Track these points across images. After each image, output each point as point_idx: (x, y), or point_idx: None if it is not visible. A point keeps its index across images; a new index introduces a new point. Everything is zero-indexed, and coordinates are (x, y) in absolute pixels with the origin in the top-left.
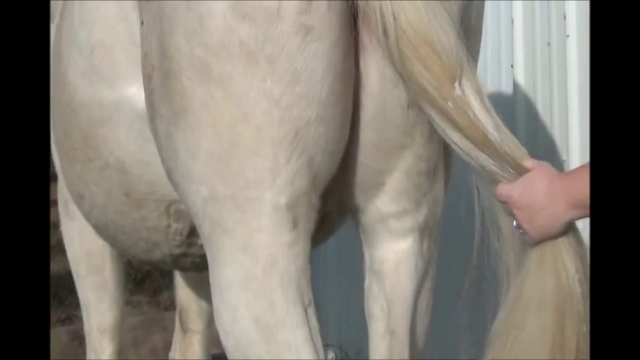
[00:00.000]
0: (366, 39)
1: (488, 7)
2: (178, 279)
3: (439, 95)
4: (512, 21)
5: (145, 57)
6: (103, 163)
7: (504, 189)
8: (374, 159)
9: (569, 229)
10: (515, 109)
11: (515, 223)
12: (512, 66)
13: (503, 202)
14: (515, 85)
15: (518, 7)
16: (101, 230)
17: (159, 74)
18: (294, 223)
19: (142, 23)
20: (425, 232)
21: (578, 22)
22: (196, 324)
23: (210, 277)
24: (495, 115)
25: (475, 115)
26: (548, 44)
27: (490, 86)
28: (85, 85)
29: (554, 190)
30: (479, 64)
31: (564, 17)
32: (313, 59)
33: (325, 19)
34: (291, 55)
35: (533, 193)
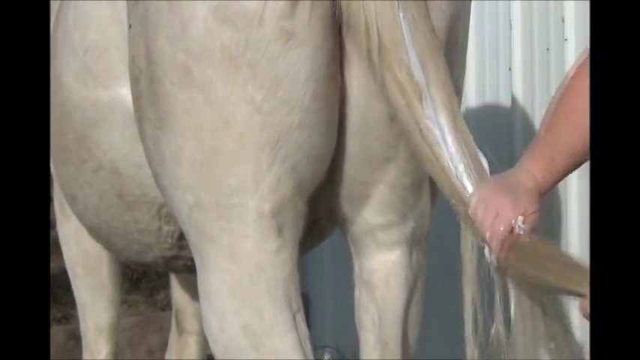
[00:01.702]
0: (350, 49)
1: (487, 10)
2: (174, 280)
3: (410, 117)
4: (510, 24)
5: (133, 60)
6: (96, 165)
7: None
8: (359, 170)
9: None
10: (514, 113)
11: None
12: (510, 69)
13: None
14: (514, 88)
15: (516, 10)
16: (94, 232)
17: (145, 78)
18: (280, 230)
19: (130, 26)
20: (413, 244)
21: (577, 25)
22: (192, 325)
23: (198, 284)
24: (465, 138)
25: (436, 146)
26: (547, 48)
27: (488, 89)
28: (79, 86)
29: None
30: (477, 66)
31: (563, 21)
32: (295, 64)
33: (308, 24)
34: (272, 60)
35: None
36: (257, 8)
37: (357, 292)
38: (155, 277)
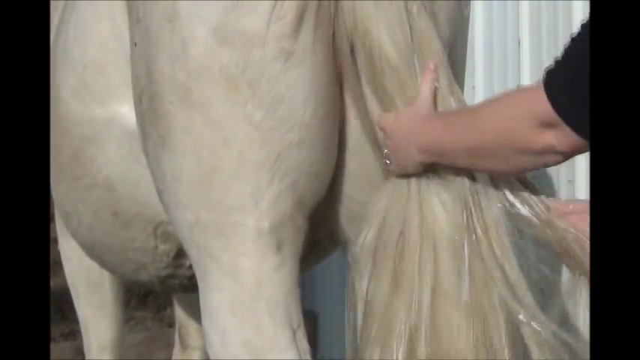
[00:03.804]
0: (347, 71)
1: (495, 27)
2: (177, 295)
3: None
4: (519, 41)
5: (136, 79)
6: (91, 182)
7: (382, 116)
8: (358, 191)
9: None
10: None
11: (385, 151)
12: (518, 87)
13: (381, 129)
14: None
15: (524, 28)
16: (87, 249)
17: (146, 97)
18: (279, 247)
19: (135, 45)
20: None
21: None
22: (195, 340)
23: (200, 301)
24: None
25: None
26: None
27: None
28: (77, 102)
29: (411, 132)
30: (485, 83)
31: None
32: (295, 83)
33: (308, 44)
34: (272, 79)
35: (398, 128)
36: (257, 29)
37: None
38: (162, 293)
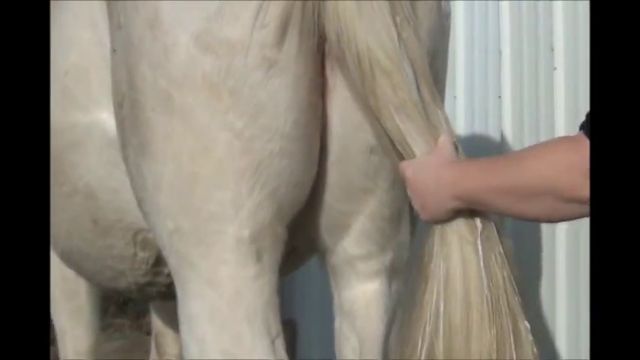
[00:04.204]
0: (331, 81)
1: (477, 38)
2: (154, 303)
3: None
4: (500, 53)
5: (116, 85)
6: (71, 189)
7: (403, 164)
8: (338, 200)
9: (462, 215)
10: (503, 140)
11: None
12: (499, 97)
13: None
14: (503, 117)
15: (506, 39)
16: (65, 257)
17: (128, 103)
18: (259, 256)
19: (114, 51)
20: (392, 274)
21: (566, 54)
22: (173, 348)
23: (178, 309)
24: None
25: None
26: (536, 76)
27: (477, 117)
28: (58, 108)
29: (442, 179)
30: (466, 94)
31: (552, 50)
32: (277, 92)
33: (290, 53)
34: (254, 87)
35: (425, 175)
36: (240, 37)
37: (337, 323)
38: (141, 301)
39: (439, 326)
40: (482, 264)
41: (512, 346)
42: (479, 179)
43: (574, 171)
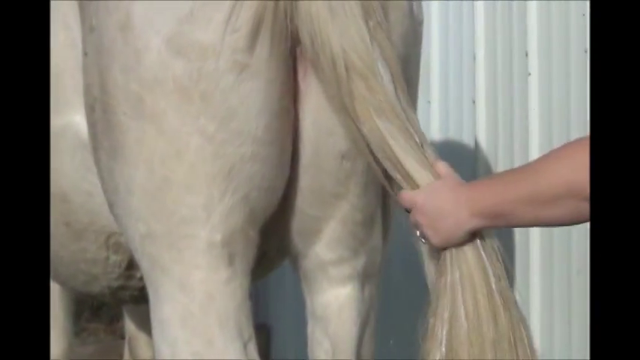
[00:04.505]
0: (303, 85)
1: (451, 43)
2: (127, 307)
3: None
4: (474, 57)
5: (88, 88)
6: None
7: (408, 195)
8: (310, 205)
9: (475, 237)
10: (477, 145)
11: (418, 232)
12: (474, 102)
13: (407, 208)
14: (477, 121)
15: (480, 44)
16: None
17: (99, 107)
18: (231, 260)
19: (85, 54)
20: (365, 278)
21: (540, 60)
22: (146, 351)
23: (150, 312)
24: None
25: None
26: (510, 81)
27: (452, 121)
28: None
29: (459, 198)
30: (440, 98)
31: (526, 55)
32: (248, 96)
33: (263, 57)
34: (225, 91)
35: (440, 198)
36: (212, 41)
37: (310, 328)
38: (114, 305)
39: (459, 314)
40: (484, 256)
41: (523, 333)
42: (499, 193)
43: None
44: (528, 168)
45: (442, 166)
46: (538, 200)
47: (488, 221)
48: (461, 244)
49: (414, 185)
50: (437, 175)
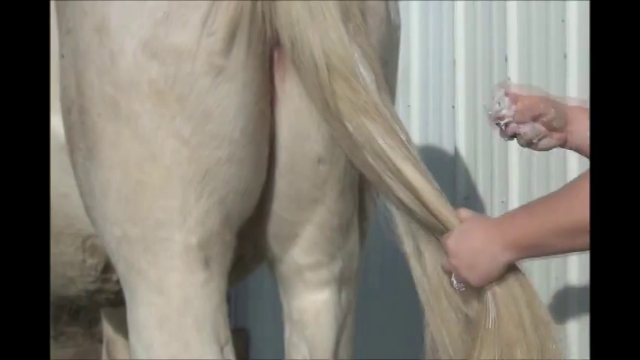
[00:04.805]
0: (280, 89)
1: (431, 48)
2: (105, 311)
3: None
4: (454, 62)
5: (65, 90)
6: None
7: (444, 240)
8: (287, 210)
9: (511, 270)
10: (457, 150)
11: (454, 281)
12: (453, 107)
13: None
14: (457, 126)
15: (460, 49)
16: None
17: (76, 109)
18: (207, 263)
19: (62, 56)
20: (342, 283)
21: (520, 64)
22: (123, 355)
23: (127, 316)
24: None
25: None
26: (490, 86)
27: (431, 126)
28: None
29: (490, 234)
30: (421, 102)
31: (506, 59)
32: (224, 99)
33: (239, 60)
34: (201, 94)
35: (470, 238)
36: (187, 43)
37: (286, 332)
38: (92, 309)
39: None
40: (527, 287)
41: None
42: (530, 224)
43: None
44: (558, 198)
45: (464, 212)
46: (573, 230)
47: (522, 253)
48: (500, 279)
49: (403, 180)
50: (435, 187)
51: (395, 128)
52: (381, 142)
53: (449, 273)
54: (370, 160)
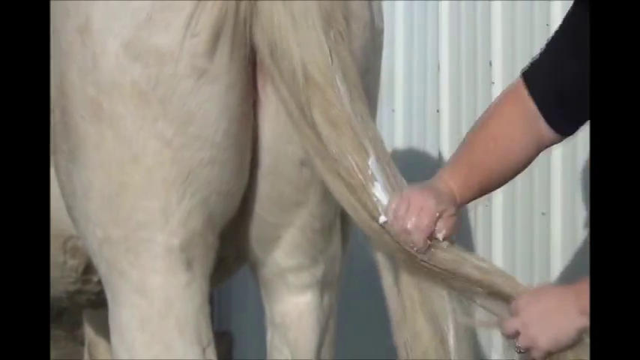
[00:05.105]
0: (263, 93)
1: (416, 52)
2: (86, 313)
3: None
4: (438, 66)
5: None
6: None
7: (514, 301)
8: (269, 212)
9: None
10: (441, 154)
11: (519, 344)
12: (438, 111)
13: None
14: (441, 130)
15: (444, 53)
16: None
17: (58, 109)
18: (189, 264)
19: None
20: (324, 286)
21: (504, 69)
22: (105, 356)
23: (109, 317)
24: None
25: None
26: (474, 90)
27: (416, 131)
28: None
29: (565, 293)
30: (405, 108)
31: (490, 64)
32: (207, 101)
33: (222, 62)
34: (183, 96)
35: (544, 297)
36: (170, 45)
37: (269, 335)
38: (74, 311)
39: None
40: None
41: None
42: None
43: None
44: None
45: (545, 287)
46: None
47: None
48: (571, 346)
49: (370, 197)
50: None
51: (365, 145)
52: (349, 158)
53: (513, 334)
54: (342, 172)
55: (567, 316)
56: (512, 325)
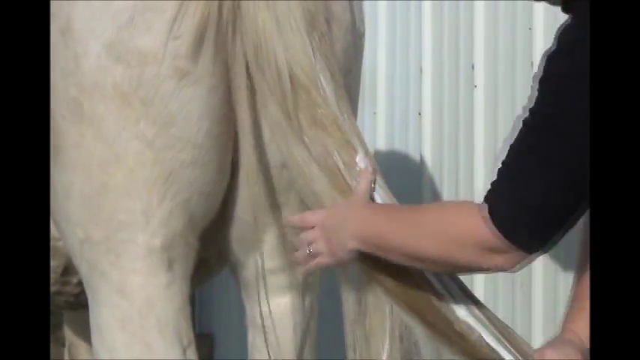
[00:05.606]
0: (242, 93)
1: (398, 55)
2: (67, 314)
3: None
4: (421, 69)
5: None
6: None
7: (309, 214)
8: (249, 214)
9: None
10: (422, 157)
11: (307, 248)
12: (419, 114)
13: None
14: (423, 133)
15: (427, 56)
16: None
17: None
18: (170, 265)
19: None
20: (305, 288)
21: (486, 72)
22: (86, 357)
23: (89, 318)
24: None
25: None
26: (457, 93)
27: (397, 133)
28: None
29: (349, 216)
30: (387, 110)
31: (472, 67)
32: (189, 102)
33: (205, 64)
34: (165, 97)
35: (331, 217)
36: (152, 47)
37: (250, 337)
38: (57, 313)
39: None
40: None
41: None
42: (383, 226)
43: (468, 247)
44: (413, 219)
45: (362, 182)
46: (417, 260)
47: (367, 248)
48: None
49: (350, 191)
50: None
51: (353, 142)
52: (335, 157)
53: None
54: (322, 174)
55: (340, 238)
56: (312, 234)
